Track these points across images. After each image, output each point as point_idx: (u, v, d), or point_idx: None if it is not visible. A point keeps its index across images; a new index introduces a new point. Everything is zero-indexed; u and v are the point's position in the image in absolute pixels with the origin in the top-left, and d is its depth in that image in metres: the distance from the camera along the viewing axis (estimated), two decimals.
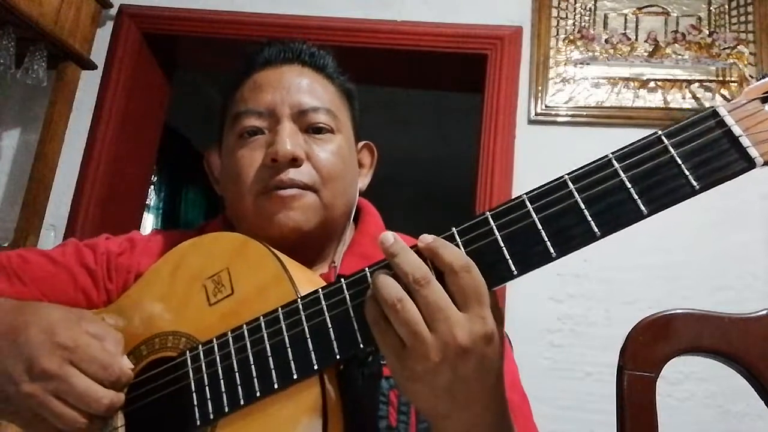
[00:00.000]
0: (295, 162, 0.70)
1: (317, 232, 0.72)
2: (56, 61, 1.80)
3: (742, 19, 1.71)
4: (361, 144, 0.85)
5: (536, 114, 1.70)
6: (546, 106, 1.70)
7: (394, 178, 4.24)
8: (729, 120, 0.45)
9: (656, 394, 0.71)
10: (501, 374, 0.50)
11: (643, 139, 0.47)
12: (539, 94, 1.71)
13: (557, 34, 1.77)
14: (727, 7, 1.73)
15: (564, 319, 1.57)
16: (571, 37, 1.76)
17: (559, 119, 1.69)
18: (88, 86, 1.88)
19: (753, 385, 0.71)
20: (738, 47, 1.69)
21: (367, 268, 0.51)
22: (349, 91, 0.82)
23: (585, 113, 1.68)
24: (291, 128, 0.72)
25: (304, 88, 0.75)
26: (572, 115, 1.68)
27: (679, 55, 1.71)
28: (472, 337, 0.45)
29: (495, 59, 1.76)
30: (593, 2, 1.78)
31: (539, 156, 1.66)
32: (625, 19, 1.76)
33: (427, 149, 3.88)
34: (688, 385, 1.47)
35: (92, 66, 1.88)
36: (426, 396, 0.48)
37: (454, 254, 0.46)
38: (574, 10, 1.78)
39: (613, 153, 0.47)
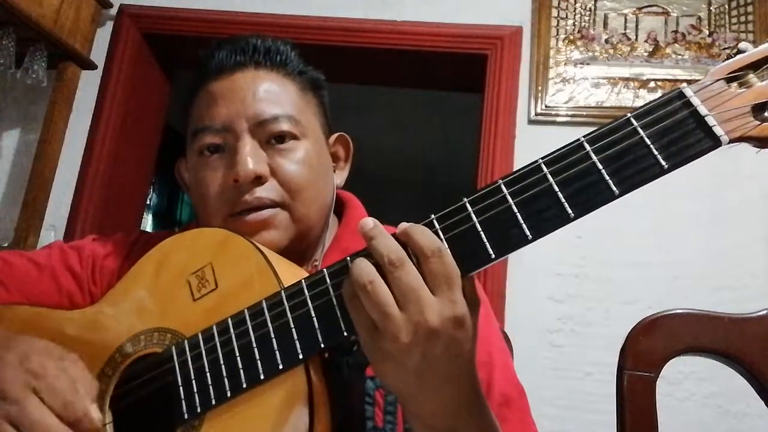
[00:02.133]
0: (259, 180, 0.67)
1: (293, 245, 0.70)
2: (56, 61, 1.80)
3: (742, 19, 1.71)
4: (334, 137, 0.80)
5: (536, 114, 1.70)
6: (546, 106, 1.70)
7: (394, 178, 4.24)
8: (695, 100, 0.46)
9: (656, 394, 0.71)
10: (472, 357, 0.51)
11: (613, 121, 0.48)
12: (539, 94, 1.71)
13: (557, 34, 1.77)
14: (727, 7, 1.73)
15: (564, 319, 1.57)
16: (571, 37, 1.76)
17: (559, 119, 1.69)
18: (88, 86, 1.88)
19: (753, 385, 0.71)
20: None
21: (348, 257, 0.52)
22: (314, 81, 0.77)
23: (585, 113, 1.68)
24: (251, 145, 0.68)
25: (261, 95, 0.70)
26: (572, 115, 1.69)
27: (679, 55, 1.71)
28: (442, 319, 0.46)
29: (495, 59, 1.76)
30: (593, 2, 1.78)
31: (539, 156, 1.65)
32: (625, 19, 1.76)
33: (427, 149, 3.88)
34: (688, 385, 1.47)
35: (92, 66, 1.88)
36: (395, 375, 0.49)
37: (427, 239, 0.47)
38: (574, 10, 1.78)
39: (584, 136, 0.48)
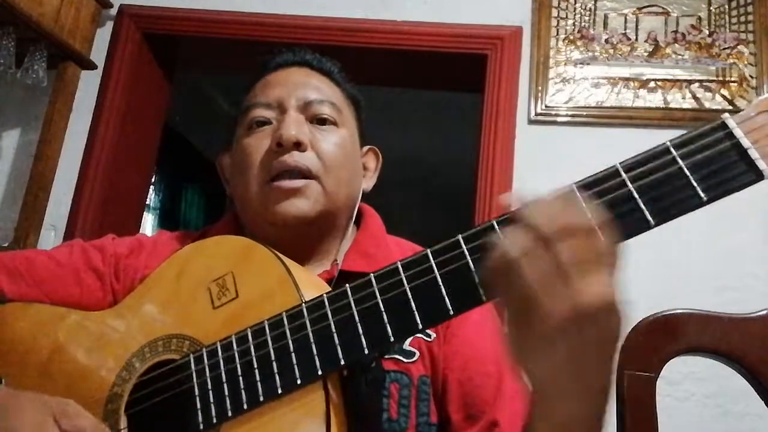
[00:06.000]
0: (299, 146, 0.73)
1: (320, 221, 0.74)
2: (56, 61, 1.80)
3: (742, 19, 1.71)
4: (366, 148, 0.87)
5: (536, 114, 1.70)
6: (546, 106, 1.70)
7: (394, 179, 4.23)
8: (738, 132, 0.45)
9: (656, 394, 0.71)
10: (616, 352, 0.47)
11: (651, 149, 0.47)
12: (539, 94, 1.71)
13: (557, 34, 1.76)
14: (727, 7, 1.73)
15: None
16: (571, 37, 1.76)
17: (559, 119, 1.69)
18: (88, 86, 1.88)
19: (753, 385, 0.71)
20: (738, 47, 1.69)
21: (372, 274, 0.52)
22: (355, 98, 0.85)
23: (585, 113, 1.68)
24: (297, 117, 0.75)
25: (311, 84, 0.79)
26: (572, 115, 1.68)
27: (679, 55, 1.71)
28: (603, 299, 0.43)
29: (495, 59, 1.76)
30: (593, 2, 1.78)
31: (539, 156, 1.66)
32: (625, 19, 1.76)
33: (427, 149, 3.88)
34: (688, 385, 1.47)
35: (92, 66, 1.88)
36: (544, 365, 0.45)
37: (588, 214, 0.44)
38: (574, 10, 1.78)
39: (621, 163, 0.47)
